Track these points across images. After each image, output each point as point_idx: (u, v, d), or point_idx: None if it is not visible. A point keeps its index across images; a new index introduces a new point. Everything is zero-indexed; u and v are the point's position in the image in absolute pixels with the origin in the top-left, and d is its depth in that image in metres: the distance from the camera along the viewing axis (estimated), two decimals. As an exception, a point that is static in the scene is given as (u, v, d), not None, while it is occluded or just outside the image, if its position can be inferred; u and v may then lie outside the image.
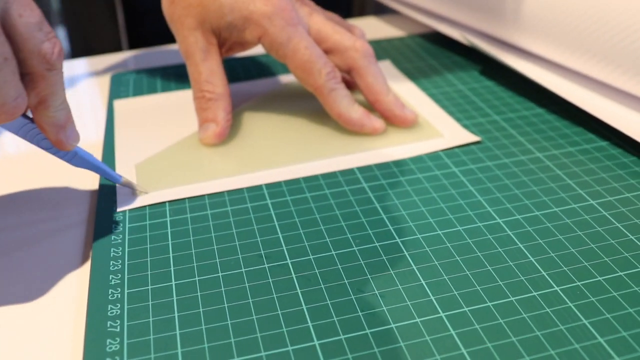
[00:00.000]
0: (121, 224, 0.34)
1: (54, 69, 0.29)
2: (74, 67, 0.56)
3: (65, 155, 0.33)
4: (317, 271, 0.31)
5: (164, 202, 0.36)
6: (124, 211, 0.35)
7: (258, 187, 0.37)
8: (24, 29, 0.28)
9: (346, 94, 0.42)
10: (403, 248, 0.32)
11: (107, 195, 0.37)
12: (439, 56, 0.55)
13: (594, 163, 0.38)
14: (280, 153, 0.40)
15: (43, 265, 0.32)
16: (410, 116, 0.43)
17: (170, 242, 0.33)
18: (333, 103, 0.42)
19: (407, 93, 0.49)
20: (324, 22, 0.43)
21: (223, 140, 0.42)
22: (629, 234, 0.32)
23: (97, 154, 0.42)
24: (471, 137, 0.41)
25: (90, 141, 0.44)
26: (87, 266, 0.32)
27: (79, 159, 0.34)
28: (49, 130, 0.31)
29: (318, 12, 0.44)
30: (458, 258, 0.31)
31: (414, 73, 0.52)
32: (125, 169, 0.39)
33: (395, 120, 0.43)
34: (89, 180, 0.39)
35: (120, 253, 0.32)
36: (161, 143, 0.42)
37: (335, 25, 0.43)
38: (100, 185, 0.38)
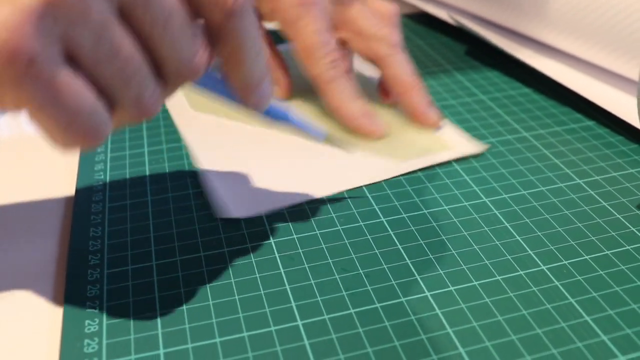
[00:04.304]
0: (101, 203, 0.34)
1: (234, 16, 0.24)
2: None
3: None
4: (300, 250, 0.30)
5: (144, 182, 0.35)
6: (104, 191, 0.35)
7: (241, 167, 0.37)
8: None
9: (348, 87, 0.38)
10: (388, 227, 0.31)
11: (86, 175, 0.36)
12: (426, 36, 0.55)
13: (580, 142, 0.38)
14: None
15: (20, 244, 0.32)
16: (433, 117, 0.39)
17: (151, 222, 0.32)
18: (331, 94, 0.38)
19: None
20: (352, 4, 0.40)
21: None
22: (615, 213, 0.32)
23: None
24: (479, 147, 0.37)
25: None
26: (66, 246, 0.31)
27: (271, 113, 0.30)
28: (237, 91, 0.27)
29: None
30: (444, 237, 0.31)
31: (400, 53, 0.51)
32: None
33: (418, 118, 0.39)
34: (70, 158, 0.38)
35: (100, 233, 0.32)
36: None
37: (363, 9, 0.40)
38: (80, 165, 0.37)
